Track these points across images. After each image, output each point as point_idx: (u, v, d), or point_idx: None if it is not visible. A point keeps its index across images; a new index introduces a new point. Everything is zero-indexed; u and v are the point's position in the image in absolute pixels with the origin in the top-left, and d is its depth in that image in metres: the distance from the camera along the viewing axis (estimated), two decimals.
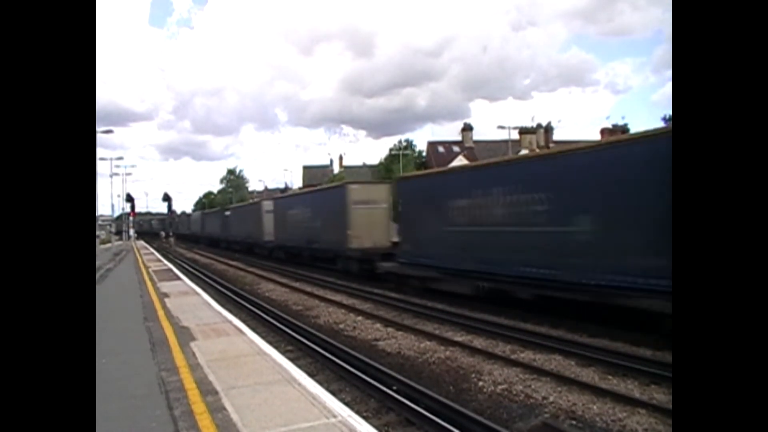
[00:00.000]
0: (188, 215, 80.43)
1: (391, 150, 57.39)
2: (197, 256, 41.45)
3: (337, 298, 16.34)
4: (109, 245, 45.25)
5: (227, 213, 46.72)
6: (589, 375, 7.92)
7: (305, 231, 25.64)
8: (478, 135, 55.37)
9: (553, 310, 11.40)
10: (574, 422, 6.28)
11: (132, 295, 14.13)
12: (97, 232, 43.38)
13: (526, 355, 9.04)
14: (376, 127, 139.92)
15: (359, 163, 67.41)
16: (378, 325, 12.15)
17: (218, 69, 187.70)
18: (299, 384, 5.64)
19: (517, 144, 45.50)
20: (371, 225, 20.26)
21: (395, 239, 19.05)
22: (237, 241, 41.12)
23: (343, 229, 20.54)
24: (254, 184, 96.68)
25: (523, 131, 46.72)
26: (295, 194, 34.11)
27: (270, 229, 32.06)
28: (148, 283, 17.18)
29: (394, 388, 7.14)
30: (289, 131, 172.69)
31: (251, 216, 36.29)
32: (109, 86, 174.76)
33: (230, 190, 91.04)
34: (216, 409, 4.91)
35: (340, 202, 20.99)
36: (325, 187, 28.57)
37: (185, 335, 8.50)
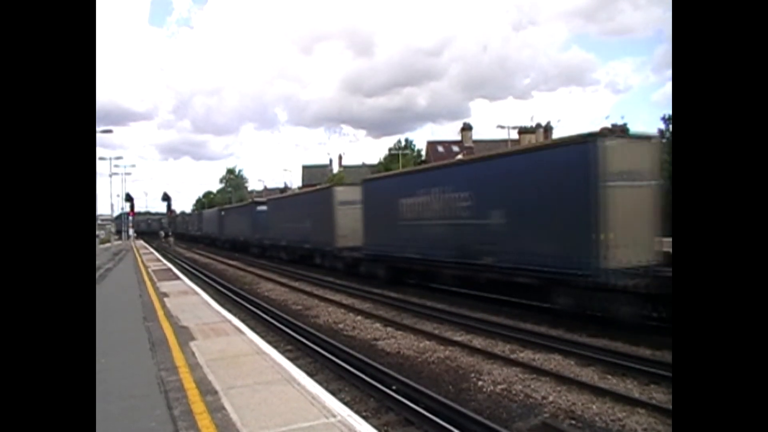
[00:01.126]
0: (200, 213, 66.15)
1: (390, 150, 57.45)
2: (196, 256, 41.46)
3: (337, 297, 16.35)
4: (108, 245, 45.25)
5: (261, 208, 34.91)
6: (588, 374, 7.92)
7: (454, 234, 13.94)
8: (478, 135, 55.42)
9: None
10: (573, 422, 6.28)
11: (131, 295, 14.11)
12: (97, 232, 43.27)
13: (526, 355, 9.05)
14: (376, 127, 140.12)
15: (359, 162, 67.49)
16: (377, 325, 12.15)
17: (218, 68, 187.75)
18: (298, 384, 5.64)
19: (516, 144, 45.48)
20: (636, 221, 10.42)
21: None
22: (282, 247, 29.93)
23: (584, 228, 10.27)
24: (253, 184, 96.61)
25: (522, 131, 46.70)
26: (428, 168, 19.61)
27: (348, 230, 20.73)
28: (148, 283, 17.17)
29: (394, 387, 7.14)
30: (288, 131, 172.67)
31: (311, 211, 24.91)
32: (109, 86, 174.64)
33: (229, 189, 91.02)
34: (215, 409, 4.90)
35: (578, 174, 10.42)
36: (529, 148, 15.98)
37: (185, 335, 8.49)
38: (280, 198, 36.85)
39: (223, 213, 49.16)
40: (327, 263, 23.57)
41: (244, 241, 38.97)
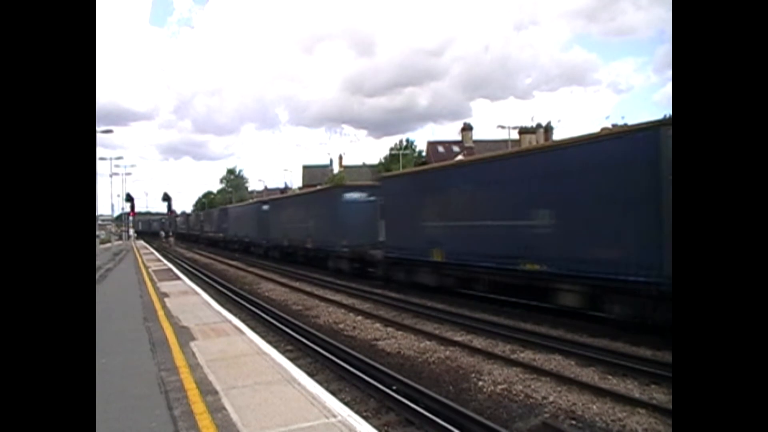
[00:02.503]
0: (223, 210, 50.47)
1: (391, 150, 57.58)
2: (197, 256, 41.46)
3: (337, 297, 16.34)
4: (108, 245, 45.26)
5: (352, 197, 21.65)
6: (588, 375, 7.92)
7: None
8: (479, 135, 55.48)
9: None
10: (573, 422, 6.28)
11: (132, 295, 14.12)
12: (97, 232, 43.21)
13: (526, 355, 9.04)
14: (377, 127, 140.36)
15: (359, 163, 67.55)
16: (378, 325, 12.15)
17: (219, 68, 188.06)
18: (299, 384, 5.64)
19: (516, 144, 45.50)
20: None
21: None
22: (437, 266, 15.08)
23: None
24: (254, 184, 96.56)
25: (522, 131, 46.70)
26: None
27: None
28: (148, 283, 17.18)
29: (394, 387, 7.14)
30: (289, 131, 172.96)
31: (566, 190, 10.80)
32: (110, 86, 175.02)
33: (230, 189, 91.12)
34: (216, 409, 4.91)
35: None
36: None
37: (185, 335, 8.49)
38: (417, 173, 18.53)
39: (266, 208, 33.93)
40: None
41: (312, 250, 24.77)
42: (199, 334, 8.55)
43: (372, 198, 20.69)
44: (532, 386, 7.47)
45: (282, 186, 73.41)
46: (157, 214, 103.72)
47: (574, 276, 10.59)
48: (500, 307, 12.79)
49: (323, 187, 28.66)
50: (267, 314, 13.55)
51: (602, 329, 10.09)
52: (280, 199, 35.47)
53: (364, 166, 64.48)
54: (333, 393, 6.00)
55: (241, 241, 40.02)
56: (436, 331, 11.05)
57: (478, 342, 10.06)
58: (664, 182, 8.73)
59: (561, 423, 6.22)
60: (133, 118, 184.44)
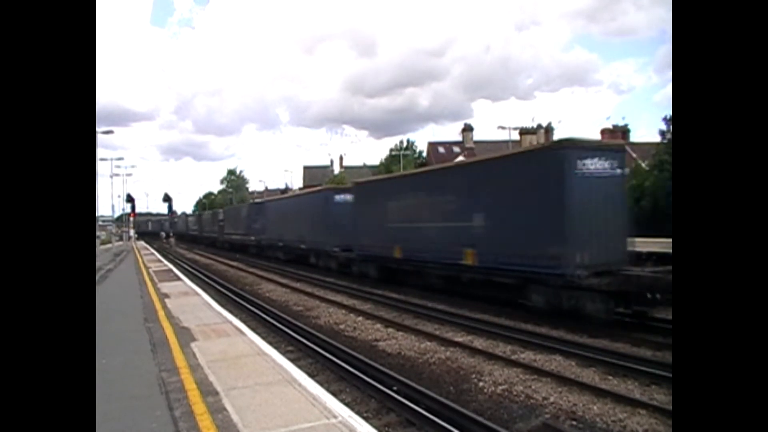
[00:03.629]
0: (257, 205, 37.40)
1: (391, 150, 57.60)
2: (197, 257, 41.49)
3: (338, 298, 16.34)
4: (109, 245, 45.28)
5: (588, 168, 10.78)
6: (589, 375, 7.92)
7: None
8: (480, 135, 55.28)
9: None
10: (574, 423, 6.27)
11: (132, 296, 14.12)
12: (98, 233, 43.20)
13: (527, 356, 9.04)
14: (378, 128, 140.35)
15: (359, 163, 67.57)
16: (378, 326, 12.15)
17: (220, 69, 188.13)
18: (299, 384, 5.64)
19: (517, 145, 45.48)
20: None
21: None
22: None
23: None
24: (254, 185, 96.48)
25: (523, 132, 46.65)
26: None
27: None
28: (149, 284, 17.17)
29: (395, 388, 7.14)
30: (290, 131, 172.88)
31: None
32: (111, 86, 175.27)
33: (230, 190, 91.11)
34: (216, 410, 4.90)
35: None
36: None
37: (185, 336, 8.49)
38: None
39: (342, 198, 22.49)
40: None
41: (476, 270, 13.36)
42: (200, 335, 8.55)
43: (620, 170, 11.61)
44: (533, 387, 7.46)
45: (282, 186, 73.38)
46: (159, 214, 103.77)
47: None
48: (501, 308, 12.78)
49: (518, 150, 16.05)
50: (268, 315, 13.55)
51: (603, 330, 10.09)
52: (378, 181, 21.01)
53: (365, 166, 64.54)
54: (334, 394, 6.00)
55: (289, 248, 28.36)
56: (437, 332, 11.05)
57: (479, 343, 10.06)
58: None
59: (562, 424, 6.22)
60: (133, 119, 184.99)
